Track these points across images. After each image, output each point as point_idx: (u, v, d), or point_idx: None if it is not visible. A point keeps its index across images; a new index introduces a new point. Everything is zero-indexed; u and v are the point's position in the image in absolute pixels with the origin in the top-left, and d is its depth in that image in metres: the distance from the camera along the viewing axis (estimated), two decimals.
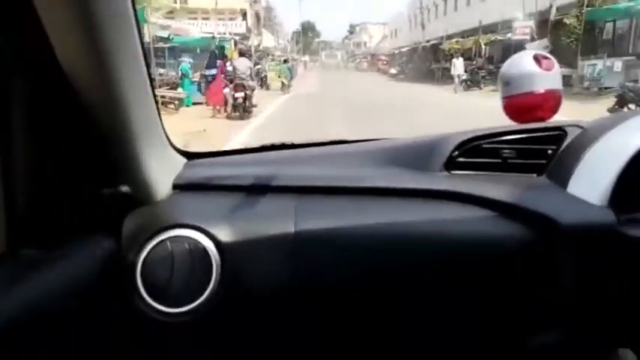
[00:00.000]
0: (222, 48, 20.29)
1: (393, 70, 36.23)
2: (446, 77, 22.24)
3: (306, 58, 65.32)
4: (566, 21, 14.98)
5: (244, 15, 37.52)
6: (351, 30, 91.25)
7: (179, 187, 0.94)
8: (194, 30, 27.12)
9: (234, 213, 0.88)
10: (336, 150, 1.11)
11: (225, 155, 1.15)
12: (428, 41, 32.33)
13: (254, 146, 1.19)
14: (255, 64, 22.86)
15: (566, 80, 13.48)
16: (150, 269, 0.80)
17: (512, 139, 0.97)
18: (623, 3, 13.49)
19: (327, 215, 0.87)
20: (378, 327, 0.92)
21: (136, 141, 0.79)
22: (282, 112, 12.12)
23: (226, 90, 10.64)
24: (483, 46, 19.93)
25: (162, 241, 0.82)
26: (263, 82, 21.24)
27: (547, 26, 16.64)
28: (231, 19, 35.52)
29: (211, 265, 0.81)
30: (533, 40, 16.42)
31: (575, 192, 0.80)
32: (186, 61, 13.66)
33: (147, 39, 18.42)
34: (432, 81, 26.12)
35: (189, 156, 1.07)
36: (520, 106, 1.15)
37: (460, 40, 23.90)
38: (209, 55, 12.23)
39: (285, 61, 23.25)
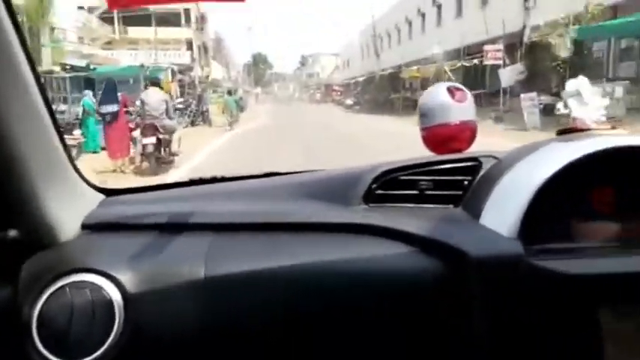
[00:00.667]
0: (154, 78, 18.13)
1: (348, 101, 34.64)
2: (408, 107, 20.58)
3: (258, 90, 63.49)
4: (551, 41, 13.46)
5: (190, 45, 35.59)
6: (303, 61, 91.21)
7: (89, 226, 0.90)
8: (128, 60, 24.57)
9: (143, 255, 0.84)
10: (263, 184, 1.12)
11: (147, 191, 1.11)
12: (383, 70, 31.13)
13: (182, 180, 1.17)
14: (199, 96, 20.53)
15: (549, 110, 11.91)
16: (47, 318, 0.75)
17: (430, 170, 0.98)
18: (620, 19, 12.07)
19: (241, 255, 0.85)
20: None
21: (36, 180, 0.77)
22: (220, 158, 9.84)
23: (135, 133, 7.98)
24: (449, 73, 18.38)
25: (61, 287, 0.76)
26: (205, 118, 18.78)
27: (517, 50, 15.29)
28: (175, 49, 33.42)
29: (114, 313, 0.76)
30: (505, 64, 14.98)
31: (487, 223, 0.81)
32: (89, 95, 11.09)
33: (55, 68, 15.76)
34: (392, 112, 24.62)
35: (108, 192, 1.04)
36: (437, 137, 1.16)
37: (420, 67, 22.50)
38: (105, 86, 8.18)
39: (230, 93, 20.40)
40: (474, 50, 18.97)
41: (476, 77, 19.01)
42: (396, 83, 26.94)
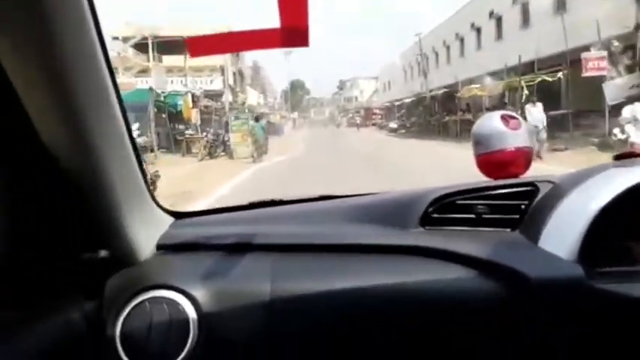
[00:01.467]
0: (173, 105, 15.96)
1: (392, 125, 31.82)
2: (467, 131, 17.27)
3: (295, 115, 61.63)
4: None
5: (222, 71, 34.09)
6: (341, 85, 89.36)
7: (163, 247, 0.96)
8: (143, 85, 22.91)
9: (213, 273, 0.89)
10: (320, 206, 1.14)
11: (212, 214, 1.17)
12: (432, 91, 28.07)
13: (243, 204, 1.21)
14: (225, 123, 18.23)
15: None
16: (129, 331, 0.81)
17: (486, 195, 0.98)
18: None
19: (303, 274, 0.89)
20: None
21: (118, 204, 0.81)
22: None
23: None
24: (525, 90, 15.06)
25: (141, 302, 0.83)
26: (226, 148, 16.23)
27: (632, 56, 11.89)
28: (208, 75, 31.83)
29: (189, 326, 0.82)
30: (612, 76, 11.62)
31: (545, 247, 0.81)
32: None
33: None
34: (447, 136, 21.48)
35: (177, 215, 1.09)
36: (492, 162, 1.17)
37: (483, 85, 19.31)
38: None
39: (257, 119, 17.15)
40: (548, 64, 15.75)
41: (558, 93, 15.69)
42: (450, 104, 23.86)
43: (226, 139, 16.24)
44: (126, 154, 0.82)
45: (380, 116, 41.82)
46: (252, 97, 56.24)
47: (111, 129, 0.76)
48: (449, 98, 23.93)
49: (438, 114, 25.65)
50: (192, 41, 0.71)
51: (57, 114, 0.69)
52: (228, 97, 29.55)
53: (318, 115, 62.87)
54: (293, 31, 0.67)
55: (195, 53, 0.71)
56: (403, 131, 29.07)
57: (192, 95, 17.50)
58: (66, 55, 0.63)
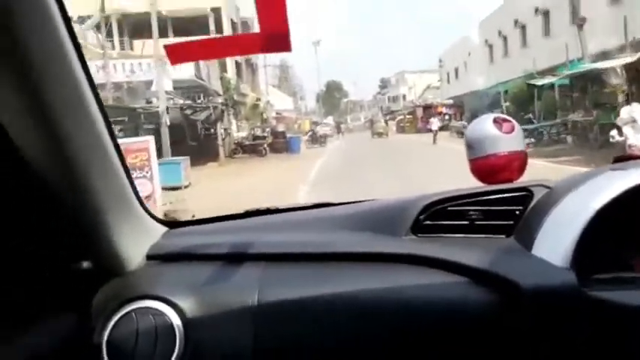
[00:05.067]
0: None
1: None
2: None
3: (330, 120, 50.56)
4: None
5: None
6: (384, 84, 78.33)
7: (153, 257, 0.96)
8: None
9: (202, 283, 0.89)
10: (313, 214, 1.14)
11: (207, 223, 1.15)
12: (554, 70, 16.50)
13: (238, 212, 1.20)
14: None
15: None
16: (115, 341, 0.81)
17: (479, 201, 0.97)
18: None
19: (292, 283, 0.88)
20: None
21: (102, 215, 0.81)
22: None
23: None
24: None
25: (128, 312, 0.83)
26: None
27: None
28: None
29: (175, 336, 0.82)
30: None
31: (539, 254, 0.80)
32: None
33: None
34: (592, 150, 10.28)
35: (171, 225, 1.08)
36: (486, 167, 1.15)
37: None
38: None
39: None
40: None
41: None
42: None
43: None
44: (109, 162, 0.80)
45: (447, 115, 30.28)
46: (277, 100, 46.66)
47: (91, 136, 0.75)
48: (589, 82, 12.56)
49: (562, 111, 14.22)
50: (171, 48, 0.71)
51: (33, 122, 0.67)
52: (216, 88, 18.86)
53: (354, 122, 51.59)
54: (274, 36, 0.67)
55: (175, 60, 0.73)
56: (552, 148, 14.15)
57: None
58: (37, 59, 0.62)
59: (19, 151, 0.70)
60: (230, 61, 25.25)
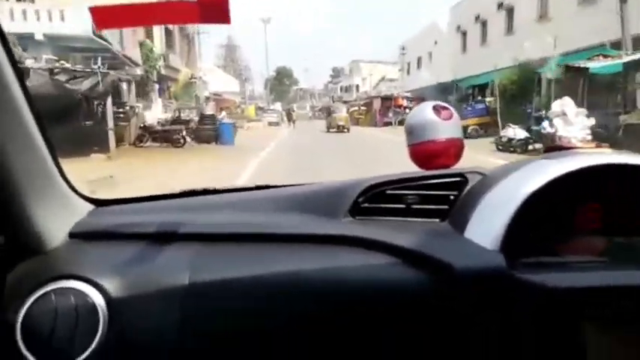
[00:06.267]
0: None
1: (513, 134, 15.20)
2: None
3: (278, 106, 46.16)
4: None
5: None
6: (336, 73, 74.89)
7: (76, 235, 0.91)
8: None
9: (128, 263, 0.85)
10: (252, 196, 1.10)
11: (137, 202, 1.10)
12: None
13: (173, 192, 1.14)
14: None
15: None
16: (31, 323, 0.76)
17: (416, 185, 0.98)
18: None
19: (226, 264, 0.86)
20: None
21: (23, 189, 0.79)
22: None
23: None
24: None
25: (46, 293, 0.78)
26: None
27: None
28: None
29: (98, 319, 0.77)
30: None
31: (471, 237, 0.82)
32: None
33: None
34: None
35: (98, 203, 1.04)
36: (424, 153, 1.17)
37: None
38: None
39: None
40: None
41: None
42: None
43: None
44: (29, 137, 0.79)
45: (409, 110, 27.19)
46: (220, 81, 41.82)
47: (9, 110, 0.73)
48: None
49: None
50: (97, 11, 0.68)
51: None
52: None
53: (301, 110, 47.18)
54: (212, 6, 0.66)
55: (101, 25, 0.70)
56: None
57: None
58: None
59: None
60: (158, 28, 20.54)
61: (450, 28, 25.80)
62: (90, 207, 0.99)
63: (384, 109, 30.06)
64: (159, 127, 14.25)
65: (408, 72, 34.30)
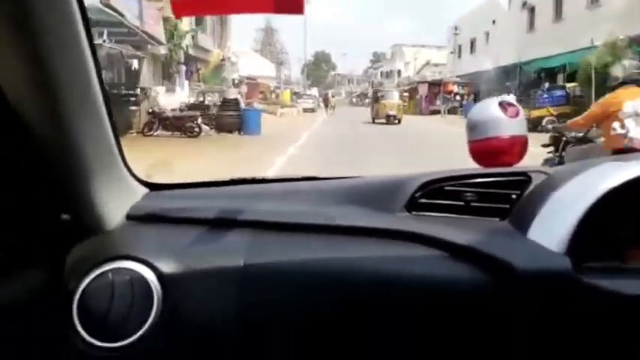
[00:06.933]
0: None
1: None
2: None
3: (314, 91, 44.07)
4: None
5: None
6: (376, 58, 71.81)
7: (132, 217, 0.93)
8: None
9: (184, 246, 0.87)
10: (303, 186, 1.11)
11: (190, 187, 1.13)
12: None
13: (223, 179, 1.16)
14: None
15: None
16: (88, 300, 0.79)
17: (476, 183, 0.96)
18: None
19: (279, 251, 0.87)
20: None
21: (85, 171, 0.80)
22: None
23: None
24: None
25: (103, 272, 0.80)
26: None
27: None
28: None
29: (152, 298, 0.79)
30: None
31: (535, 238, 0.79)
32: None
33: None
34: None
35: (153, 187, 1.06)
36: (486, 149, 1.14)
37: None
38: None
39: None
40: None
41: None
42: None
43: None
44: (99, 120, 0.79)
45: (460, 97, 24.33)
46: (256, 65, 40.05)
47: (84, 94, 0.74)
48: None
49: None
50: (176, 1, 0.70)
51: (23, 73, 0.67)
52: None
53: (337, 96, 44.71)
54: None
55: (179, 14, 0.71)
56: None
57: None
58: (44, 25, 0.62)
59: (6, 102, 0.69)
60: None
61: (514, 5, 22.75)
62: (145, 190, 1.01)
63: (431, 95, 27.38)
64: (169, 114, 12.02)
65: (460, 55, 31.28)
